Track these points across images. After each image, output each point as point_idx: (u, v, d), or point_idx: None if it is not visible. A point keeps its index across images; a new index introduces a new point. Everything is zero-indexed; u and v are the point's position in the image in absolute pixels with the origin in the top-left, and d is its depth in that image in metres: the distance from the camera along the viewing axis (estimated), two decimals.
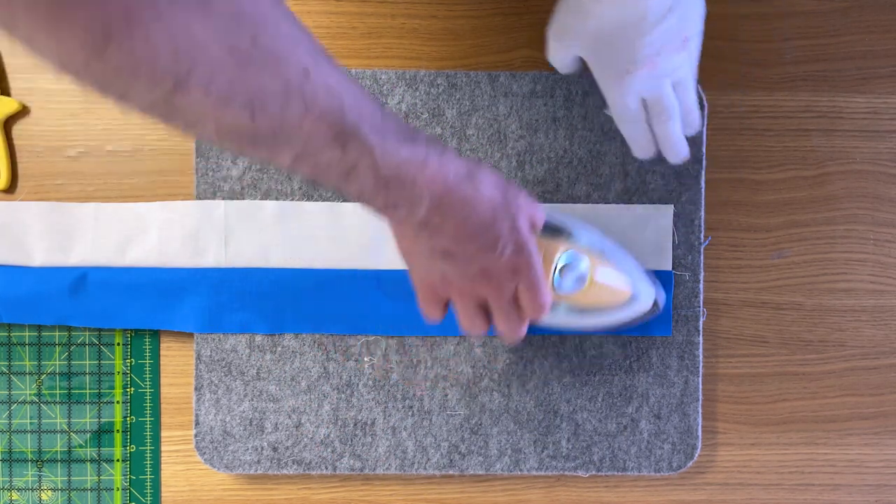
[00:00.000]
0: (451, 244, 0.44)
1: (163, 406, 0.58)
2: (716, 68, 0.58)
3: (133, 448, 0.58)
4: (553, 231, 0.52)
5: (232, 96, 0.35)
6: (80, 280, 0.57)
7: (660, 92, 0.49)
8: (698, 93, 0.56)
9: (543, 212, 0.48)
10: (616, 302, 0.54)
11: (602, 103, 0.54)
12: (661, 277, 0.57)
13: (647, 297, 0.54)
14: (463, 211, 0.43)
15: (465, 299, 0.48)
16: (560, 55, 0.52)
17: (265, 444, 0.57)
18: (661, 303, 0.55)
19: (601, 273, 0.53)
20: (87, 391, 0.58)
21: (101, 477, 0.58)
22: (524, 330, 0.49)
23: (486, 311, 0.48)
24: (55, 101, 0.58)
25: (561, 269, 0.51)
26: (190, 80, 0.33)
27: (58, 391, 0.58)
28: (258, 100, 0.35)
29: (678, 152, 0.52)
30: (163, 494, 0.59)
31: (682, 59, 0.49)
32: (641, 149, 0.53)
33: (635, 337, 0.57)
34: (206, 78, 0.34)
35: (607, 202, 0.57)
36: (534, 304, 0.47)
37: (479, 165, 0.45)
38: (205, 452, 0.57)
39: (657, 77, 0.49)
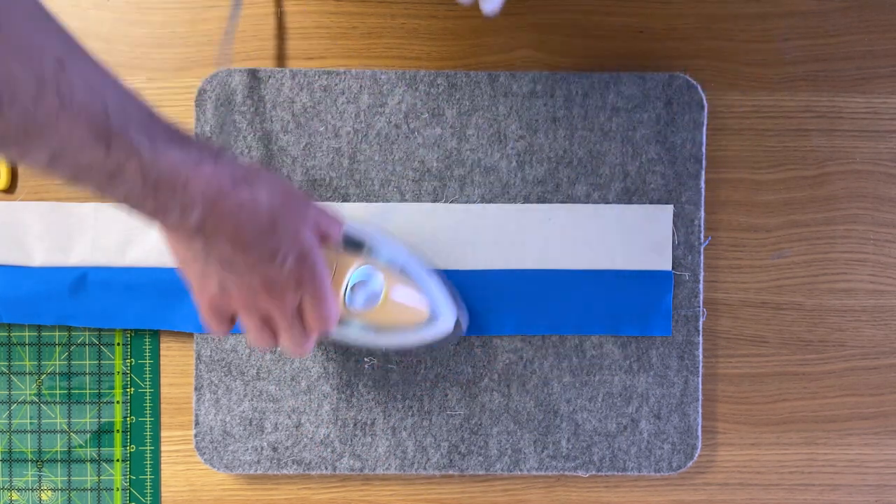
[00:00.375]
0: (228, 252, 0.42)
1: (163, 406, 0.58)
2: (716, 68, 0.58)
3: (133, 448, 0.58)
4: (353, 245, 0.51)
5: None
6: (80, 280, 0.57)
7: None
8: (698, 93, 0.56)
9: (340, 224, 0.47)
10: (413, 321, 0.53)
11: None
12: (661, 277, 0.57)
13: (447, 318, 0.53)
14: (239, 217, 0.41)
15: (248, 312, 0.45)
16: None
17: (265, 444, 0.57)
18: (465, 324, 0.54)
19: (398, 291, 0.52)
20: (87, 391, 0.58)
21: (101, 477, 0.58)
22: (310, 346, 0.47)
23: (272, 325, 0.46)
24: None
25: (354, 285, 0.50)
26: None
27: (58, 391, 0.58)
28: (6, 91, 0.33)
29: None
30: (163, 494, 0.59)
31: None
32: None
33: (635, 337, 0.57)
34: None
35: (607, 202, 0.57)
36: (318, 318, 0.45)
37: (260, 171, 0.43)
38: (205, 452, 0.57)
39: None
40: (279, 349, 0.48)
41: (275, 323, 0.46)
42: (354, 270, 0.50)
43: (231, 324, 0.47)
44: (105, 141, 0.36)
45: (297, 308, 0.45)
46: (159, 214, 0.40)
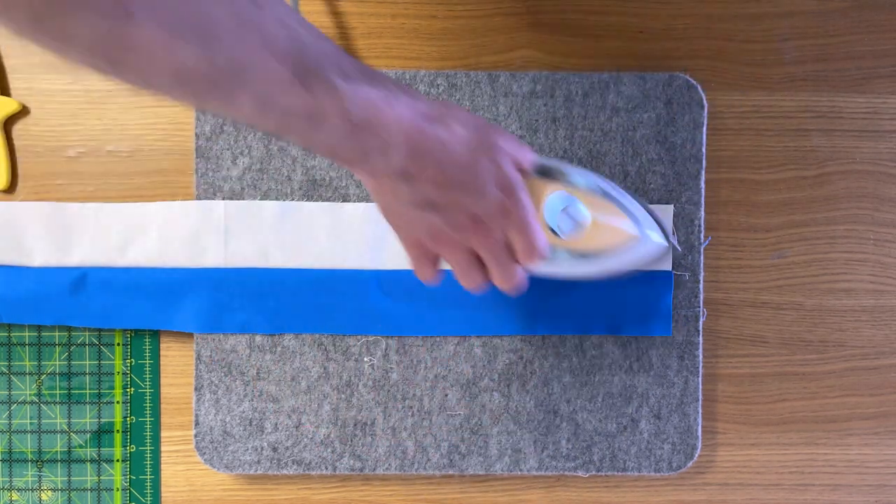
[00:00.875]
0: (432, 192, 0.41)
1: (163, 406, 0.58)
2: (716, 68, 0.58)
3: (133, 448, 0.58)
4: (546, 173, 0.49)
5: (182, 28, 0.32)
6: (80, 280, 0.57)
7: None
8: (698, 93, 0.56)
9: (532, 153, 0.46)
10: (621, 244, 0.50)
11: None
12: (661, 278, 0.57)
13: (655, 236, 0.51)
14: (440, 154, 0.40)
15: (456, 252, 0.45)
16: None
17: (265, 444, 0.57)
18: (675, 242, 0.52)
19: (602, 214, 0.49)
20: (87, 391, 0.58)
21: (101, 477, 0.58)
22: (522, 279, 0.46)
23: (481, 262, 0.45)
24: (55, 101, 0.58)
25: (559, 212, 0.48)
26: (135, 7, 0.31)
27: (58, 391, 0.58)
28: (210, 31, 0.33)
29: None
30: (163, 494, 0.59)
31: None
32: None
33: (635, 337, 0.57)
34: (152, 4, 0.31)
35: None
36: (528, 248, 0.44)
37: (450, 106, 0.42)
38: (205, 452, 0.57)
39: None
40: (491, 285, 0.46)
41: (484, 259, 0.45)
42: (555, 196, 0.48)
43: (437, 267, 0.46)
44: (305, 80, 0.36)
45: (505, 241, 0.44)
46: (363, 160, 0.40)
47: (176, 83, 0.34)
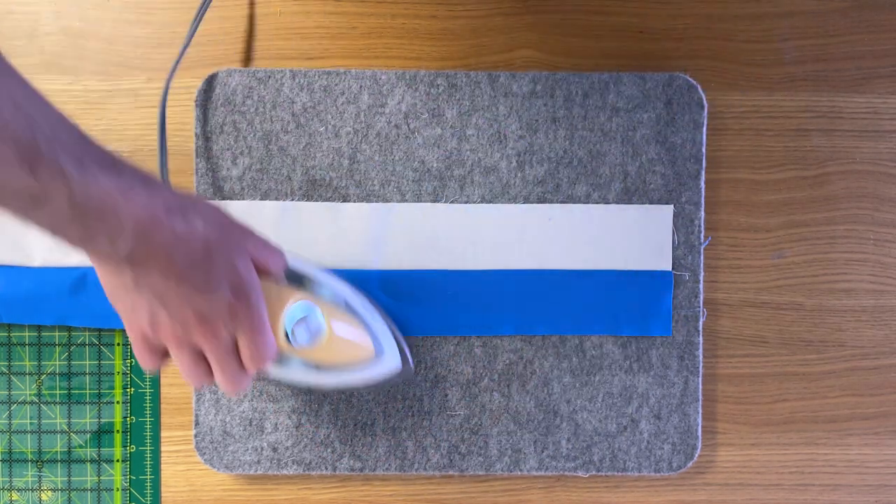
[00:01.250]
0: (160, 284, 0.41)
1: (163, 406, 0.58)
2: (716, 68, 0.58)
3: (133, 448, 0.58)
4: (295, 279, 0.49)
5: None
6: (80, 280, 0.56)
7: None
8: (698, 93, 0.56)
9: (283, 257, 0.46)
10: (358, 359, 0.50)
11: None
12: (661, 277, 0.57)
13: (393, 355, 0.51)
14: (172, 246, 0.40)
15: (180, 347, 0.43)
16: None
17: (265, 444, 0.57)
18: (412, 363, 0.53)
19: (341, 328, 0.49)
20: (87, 391, 0.58)
21: (101, 477, 0.58)
22: (246, 383, 0.45)
23: (206, 361, 0.44)
24: (55, 101, 0.57)
25: (296, 321, 0.47)
26: None
27: (58, 391, 0.58)
28: None
29: None
30: (163, 494, 0.59)
31: None
32: None
33: (635, 337, 0.57)
34: None
35: (607, 202, 0.57)
36: (255, 354, 0.44)
37: (196, 200, 0.42)
38: (205, 452, 0.57)
39: None
40: (214, 386, 0.46)
41: (209, 358, 0.44)
42: (295, 304, 0.48)
43: (163, 359, 0.45)
44: (31, 165, 0.35)
45: (233, 344, 0.44)
46: (86, 242, 0.39)
47: None
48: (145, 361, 0.45)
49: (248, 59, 0.58)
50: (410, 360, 0.53)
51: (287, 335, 0.48)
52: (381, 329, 0.52)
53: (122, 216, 0.38)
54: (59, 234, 0.38)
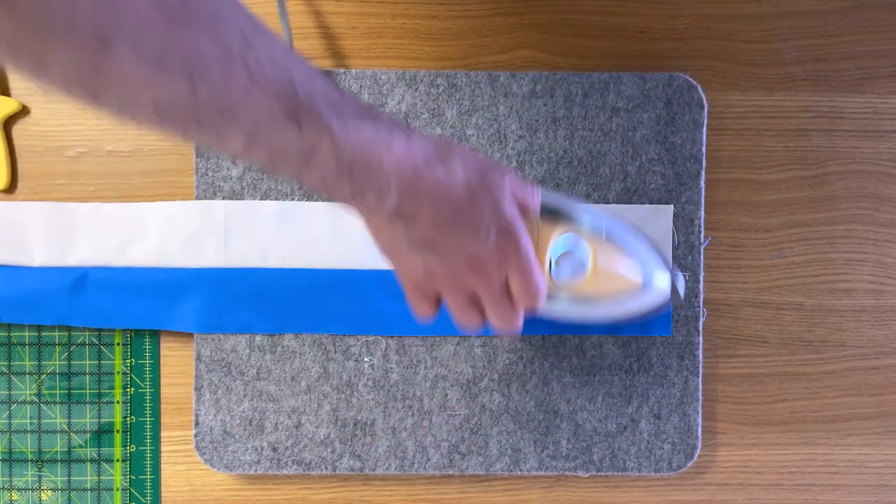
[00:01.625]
0: (429, 233, 0.41)
1: (163, 406, 0.58)
2: (716, 68, 0.58)
3: (133, 448, 0.58)
4: (552, 214, 0.48)
5: (166, 61, 0.31)
6: (80, 280, 0.57)
7: None
8: (698, 93, 0.56)
9: (538, 193, 0.45)
10: (624, 290, 0.49)
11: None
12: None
13: (661, 284, 0.50)
14: (437, 195, 0.40)
15: (454, 293, 0.44)
16: None
17: (265, 444, 0.57)
18: (682, 290, 0.51)
19: (606, 258, 0.48)
20: (87, 391, 0.58)
21: (101, 477, 0.58)
22: (520, 322, 0.45)
23: (479, 304, 0.45)
24: (55, 101, 0.58)
25: (559, 256, 0.47)
26: (116, 39, 0.30)
27: (58, 391, 0.58)
28: (196, 66, 0.32)
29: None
30: (163, 494, 0.59)
31: None
32: None
33: (635, 337, 0.57)
34: (134, 36, 0.30)
35: (607, 202, 0.57)
36: (526, 292, 0.44)
37: (451, 146, 0.41)
38: (205, 452, 0.57)
39: None
40: (488, 327, 0.45)
41: (482, 301, 0.44)
42: (558, 239, 0.47)
43: (437, 306, 0.45)
44: (296, 118, 0.35)
45: (505, 285, 0.44)
46: (357, 198, 0.40)
47: (157, 116, 0.34)
48: (421, 310, 0.45)
49: None
50: (680, 288, 0.51)
51: (551, 270, 0.47)
52: (647, 256, 0.49)
53: (386, 169, 0.38)
54: (331, 191, 0.39)
